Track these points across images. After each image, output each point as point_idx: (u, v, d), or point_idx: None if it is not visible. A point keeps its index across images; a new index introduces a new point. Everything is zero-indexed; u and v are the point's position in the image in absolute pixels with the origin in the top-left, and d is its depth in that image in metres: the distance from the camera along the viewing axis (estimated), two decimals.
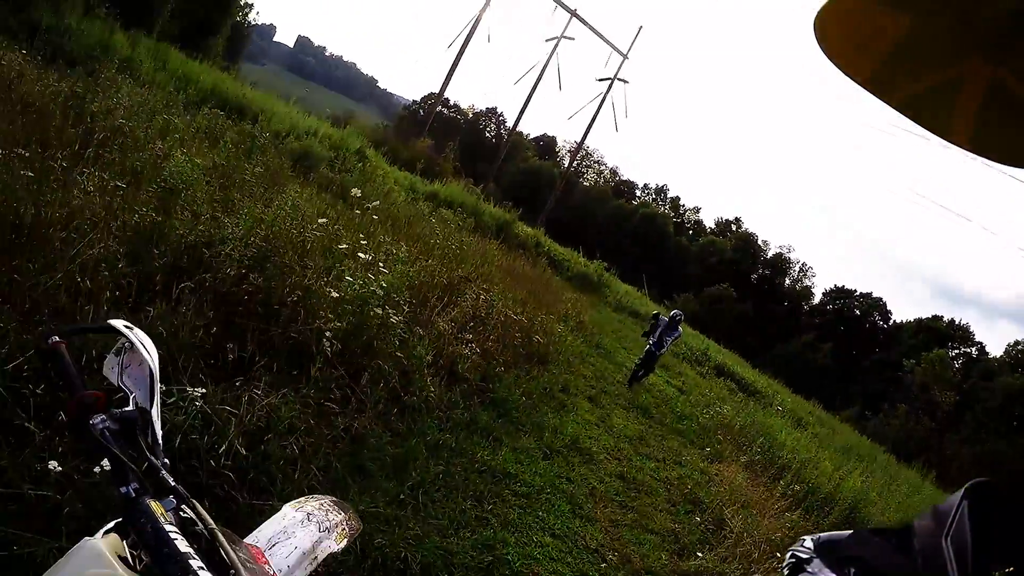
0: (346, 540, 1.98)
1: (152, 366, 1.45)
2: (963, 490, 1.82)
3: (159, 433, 1.42)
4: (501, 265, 13.04)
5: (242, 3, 32.16)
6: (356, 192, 7.39)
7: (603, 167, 78.53)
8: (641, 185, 79.33)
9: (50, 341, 1.45)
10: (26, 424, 2.94)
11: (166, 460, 1.36)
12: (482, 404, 6.46)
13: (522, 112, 44.41)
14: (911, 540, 1.89)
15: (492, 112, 76.61)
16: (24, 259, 3.70)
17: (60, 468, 2.80)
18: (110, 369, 1.53)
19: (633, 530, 5.82)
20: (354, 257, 5.95)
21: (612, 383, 11.07)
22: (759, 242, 71.36)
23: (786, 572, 2.23)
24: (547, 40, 42.98)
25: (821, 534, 2.33)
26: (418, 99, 73.19)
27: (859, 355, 59.75)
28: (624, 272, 35.10)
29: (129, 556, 1.27)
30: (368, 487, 4.13)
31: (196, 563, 1.18)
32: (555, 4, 40.34)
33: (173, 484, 1.33)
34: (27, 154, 4.71)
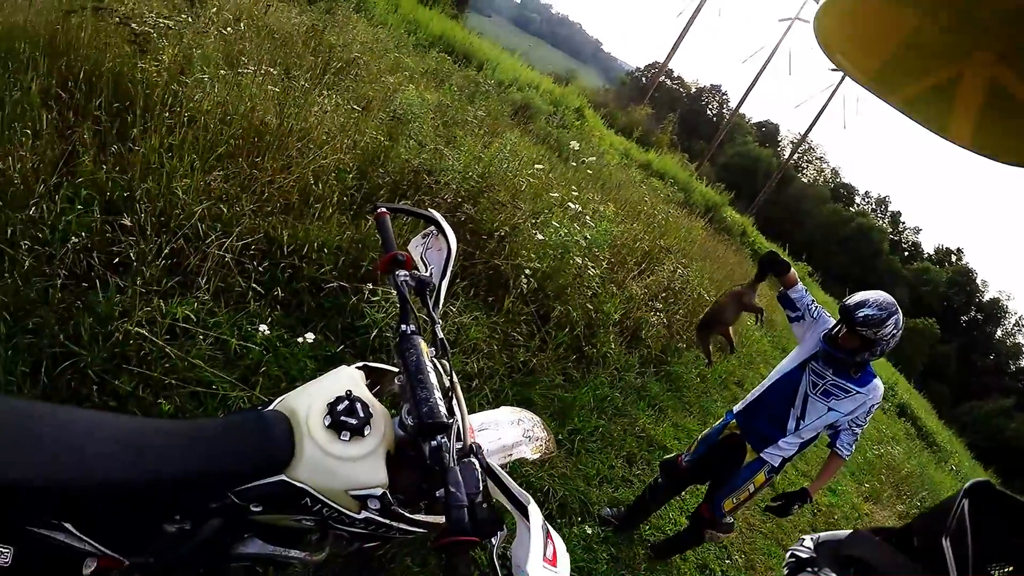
0: (539, 455, 2.23)
1: (452, 252, 1.92)
2: (963, 490, 1.71)
3: (441, 302, 1.85)
4: (704, 245, 12.70)
5: None
6: (575, 145, 7.48)
7: (825, 165, 74.00)
8: (862, 192, 74.25)
9: (379, 210, 1.99)
10: (246, 291, 3.40)
11: (440, 322, 1.74)
12: (656, 374, 6.46)
13: (747, 94, 42.98)
14: (911, 540, 1.80)
15: (715, 89, 74.34)
16: (264, 159, 4.16)
17: (268, 332, 3.22)
18: (415, 246, 2.08)
19: (767, 540, 5.64)
20: (563, 207, 6.08)
21: None
22: (977, 280, 64.53)
23: (786, 572, 2.15)
24: (780, 20, 40.95)
25: (821, 534, 2.22)
26: (641, 67, 72.32)
27: None
28: (827, 281, 33.25)
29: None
30: None
31: (438, 395, 1.49)
32: None
33: (441, 339, 1.72)
34: (275, 72, 5.19)
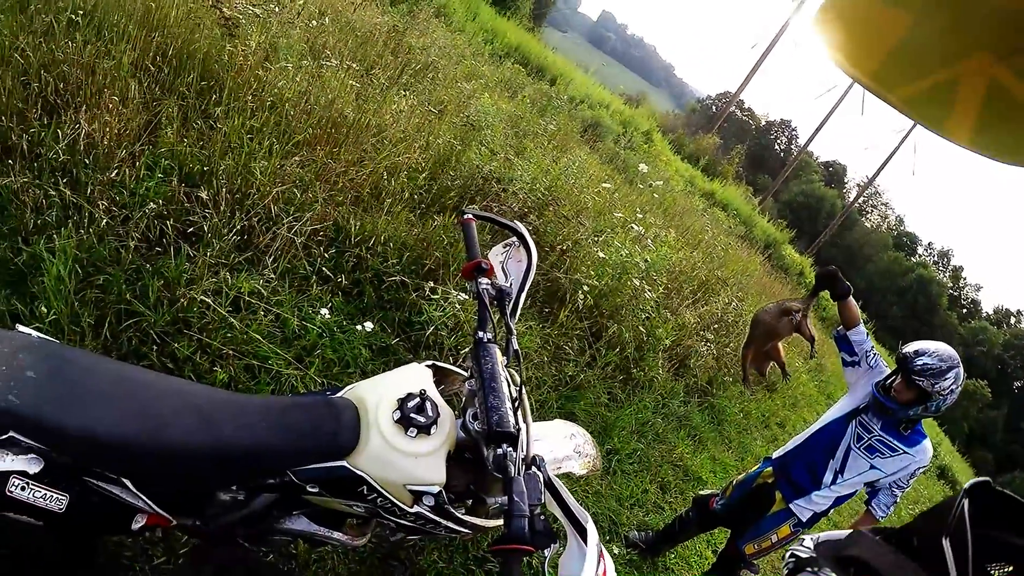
0: (586, 471, 2.29)
1: (532, 265, 1.97)
2: (963, 490, 1.66)
3: (518, 311, 1.89)
4: (760, 281, 12.54)
5: None
6: (643, 168, 7.49)
7: (889, 212, 72.19)
8: (925, 243, 71.59)
9: (465, 216, 2.08)
10: (311, 274, 3.52)
11: (516, 332, 1.78)
12: (700, 405, 6.38)
13: (817, 131, 41.97)
14: (911, 540, 1.74)
15: (785, 124, 73.01)
16: (340, 151, 4.29)
17: (328, 316, 3.33)
18: (495, 255, 2.14)
19: None
20: (625, 228, 6.09)
21: None
22: None
23: (786, 572, 2.10)
24: None
25: (821, 534, 2.16)
26: (712, 95, 71.43)
27: None
28: (881, 330, 32.52)
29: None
30: None
31: (508, 404, 1.52)
32: None
33: (516, 349, 1.75)
34: (356, 67, 5.32)
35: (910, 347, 3.07)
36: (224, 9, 4.54)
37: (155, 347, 2.76)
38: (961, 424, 41.24)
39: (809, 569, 1.99)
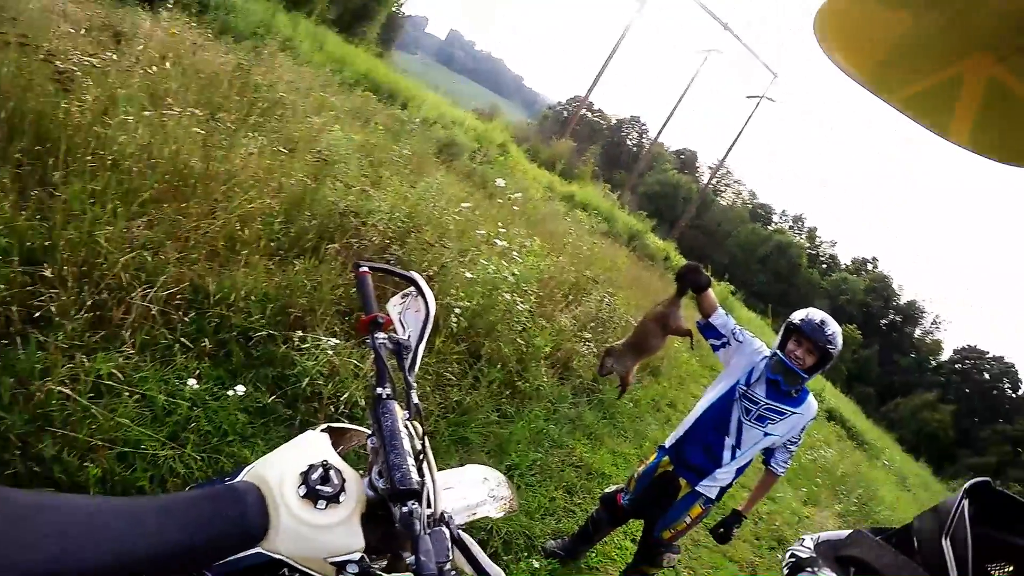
0: (503, 513, 2.23)
1: (429, 316, 1.92)
2: (962, 490, 1.79)
3: (417, 364, 1.85)
4: (629, 272, 12.92)
5: None
6: (501, 182, 7.60)
7: (742, 187, 76.22)
8: (779, 211, 76.32)
9: (360, 269, 2.01)
10: (173, 343, 3.33)
11: (415, 385, 1.75)
12: (590, 403, 6.53)
13: (665, 123, 44.10)
14: (911, 540, 1.86)
15: (635, 120, 75.83)
16: (189, 204, 4.10)
17: (197, 386, 3.18)
18: (393, 306, 2.07)
19: (713, 554, 5.70)
20: (490, 243, 6.17)
21: None
22: (894, 286, 67.68)
23: (786, 572, 2.20)
24: (697, 52, 42.63)
25: (821, 533, 2.28)
26: (563, 101, 73.41)
27: (980, 422, 54.54)
28: (749, 298, 34.12)
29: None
30: (468, 459, 4.24)
31: (410, 460, 1.57)
32: (708, 16, 39.70)
33: (416, 403, 1.73)
34: (200, 113, 5.12)
35: (813, 319, 3.31)
36: (57, 63, 4.29)
37: (17, 451, 2.55)
38: (839, 367, 43.99)
39: (809, 569, 2.04)
